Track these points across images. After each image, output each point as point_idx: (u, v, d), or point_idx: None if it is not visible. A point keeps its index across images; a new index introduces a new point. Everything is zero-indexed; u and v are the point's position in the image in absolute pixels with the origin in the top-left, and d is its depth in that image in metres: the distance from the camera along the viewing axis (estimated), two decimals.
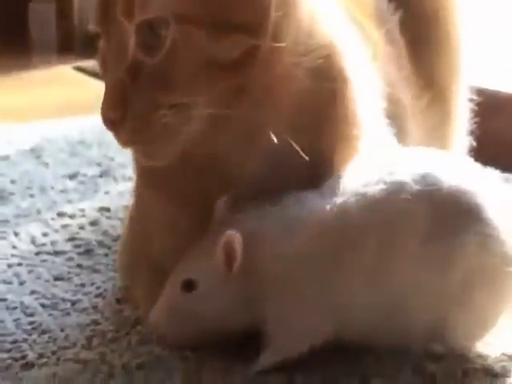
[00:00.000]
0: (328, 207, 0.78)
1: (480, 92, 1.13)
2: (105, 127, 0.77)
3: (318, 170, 0.81)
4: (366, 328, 0.78)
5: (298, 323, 0.78)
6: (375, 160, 0.82)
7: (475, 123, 1.12)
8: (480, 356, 0.81)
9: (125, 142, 0.77)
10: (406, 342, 0.78)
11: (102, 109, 0.75)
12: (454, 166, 0.81)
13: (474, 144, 1.13)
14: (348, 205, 0.77)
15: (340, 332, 0.78)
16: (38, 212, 1.23)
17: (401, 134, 0.90)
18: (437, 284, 0.77)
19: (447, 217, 0.77)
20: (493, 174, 0.82)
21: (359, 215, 0.77)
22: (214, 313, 0.80)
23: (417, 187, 0.76)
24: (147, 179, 0.89)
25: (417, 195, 0.76)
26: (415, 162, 0.80)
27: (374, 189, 0.78)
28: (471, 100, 1.12)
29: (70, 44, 2.61)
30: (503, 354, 0.81)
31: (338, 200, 0.78)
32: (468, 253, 0.77)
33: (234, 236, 0.77)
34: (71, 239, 1.13)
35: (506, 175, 1.27)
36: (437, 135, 1.04)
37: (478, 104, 1.12)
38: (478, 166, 0.82)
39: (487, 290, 0.78)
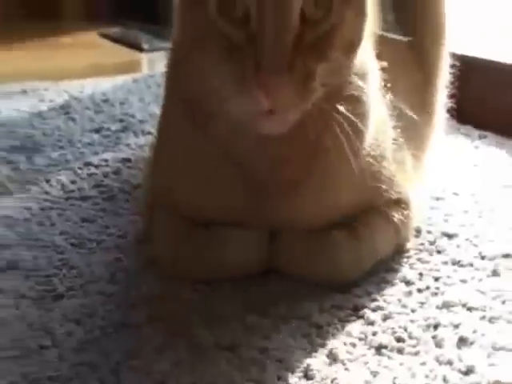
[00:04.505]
0: None
1: (460, 58, 1.16)
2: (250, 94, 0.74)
3: None
4: None
5: None
6: None
7: (455, 87, 1.14)
8: None
9: (284, 104, 0.74)
10: None
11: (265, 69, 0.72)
12: None
13: (454, 105, 1.17)
14: None
15: None
16: (67, 162, 1.27)
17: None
18: None
19: None
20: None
21: None
22: None
23: None
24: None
25: None
26: None
27: None
28: (453, 65, 1.14)
29: (96, 12, 2.64)
30: None
31: None
32: None
33: None
34: (96, 186, 1.18)
35: (481, 132, 1.35)
36: (420, 92, 1.07)
37: (459, 69, 1.14)
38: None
39: None
